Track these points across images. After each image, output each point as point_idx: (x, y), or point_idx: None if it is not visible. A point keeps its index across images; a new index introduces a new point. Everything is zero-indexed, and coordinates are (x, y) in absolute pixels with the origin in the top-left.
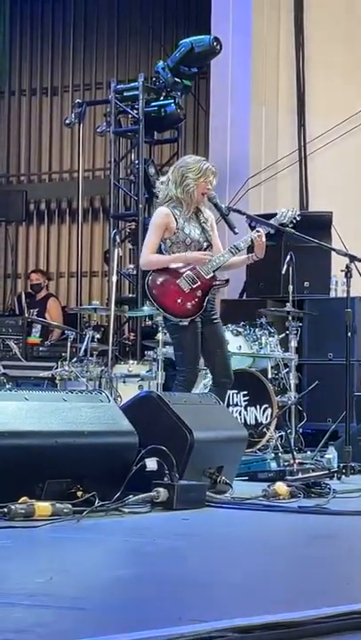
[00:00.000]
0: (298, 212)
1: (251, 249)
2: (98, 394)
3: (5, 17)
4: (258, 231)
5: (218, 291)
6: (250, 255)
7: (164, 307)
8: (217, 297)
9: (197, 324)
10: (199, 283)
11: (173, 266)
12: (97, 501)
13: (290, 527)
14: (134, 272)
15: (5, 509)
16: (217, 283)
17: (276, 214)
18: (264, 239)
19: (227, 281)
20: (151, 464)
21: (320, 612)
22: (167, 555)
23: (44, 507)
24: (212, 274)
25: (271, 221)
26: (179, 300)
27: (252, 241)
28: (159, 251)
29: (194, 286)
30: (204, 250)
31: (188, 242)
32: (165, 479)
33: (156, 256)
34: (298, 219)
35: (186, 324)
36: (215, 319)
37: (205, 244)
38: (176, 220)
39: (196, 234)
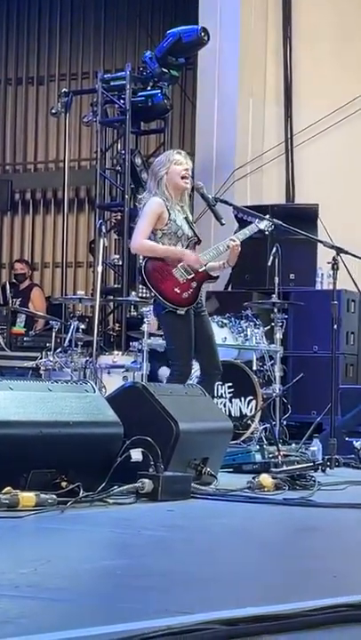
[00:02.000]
0: (272, 226)
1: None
2: (83, 384)
3: None
4: (232, 239)
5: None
6: (222, 262)
7: (162, 294)
8: (217, 280)
9: (191, 317)
10: (193, 275)
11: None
12: (82, 492)
13: (275, 519)
14: (120, 262)
15: None
16: (209, 276)
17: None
18: (239, 248)
19: (217, 276)
20: (136, 455)
21: (307, 604)
22: (153, 546)
23: (28, 497)
24: (204, 267)
25: (238, 234)
26: (176, 289)
27: (227, 248)
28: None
29: (189, 277)
30: (194, 244)
31: (180, 234)
32: (150, 470)
33: (150, 242)
34: (268, 230)
35: (183, 313)
36: (203, 312)
37: (194, 238)
38: (168, 211)
39: (185, 226)
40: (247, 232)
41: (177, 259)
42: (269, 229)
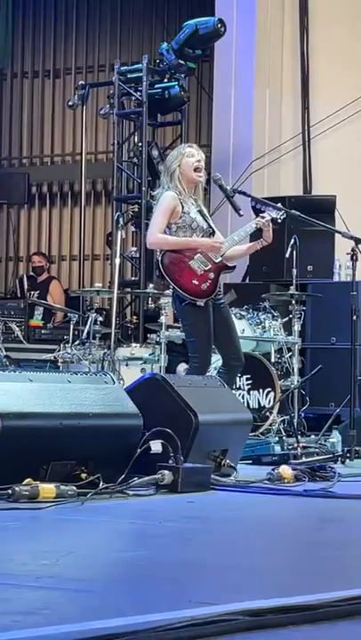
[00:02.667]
0: (283, 215)
1: (256, 235)
2: (102, 375)
3: None
4: (262, 216)
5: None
6: (259, 240)
7: (181, 286)
8: (234, 270)
9: (210, 308)
10: (210, 266)
11: (181, 249)
12: (101, 483)
13: (296, 510)
14: (137, 255)
15: (10, 491)
16: (226, 267)
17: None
18: (271, 224)
19: (234, 266)
20: (156, 446)
21: (333, 595)
22: (173, 537)
23: (48, 488)
24: (220, 258)
25: (266, 212)
26: (195, 281)
27: (257, 227)
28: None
29: (206, 269)
30: (209, 235)
31: (195, 226)
32: (170, 462)
33: (166, 235)
34: (281, 218)
35: (202, 304)
36: (222, 303)
37: (209, 230)
38: (182, 204)
39: (200, 218)
40: (246, 231)
41: (195, 247)
42: (281, 217)
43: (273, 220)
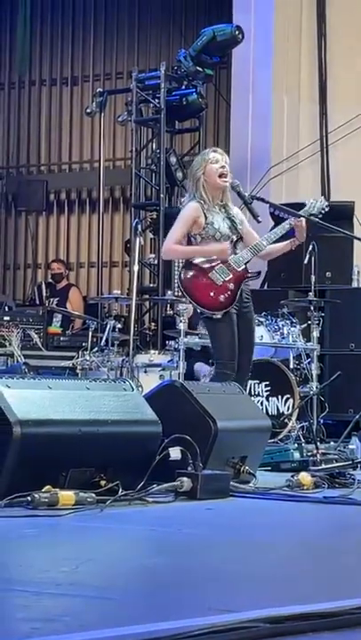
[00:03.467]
0: (326, 203)
1: (285, 237)
2: (121, 382)
3: (27, 7)
4: (298, 215)
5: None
6: (292, 240)
7: (197, 300)
8: (259, 277)
9: (233, 317)
10: (231, 275)
11: (199, 260)
12: (120, 490)
13: (316, 517)
14: (155, 262)
15: (29, 498)
16: (249, 274)
17: (305, 204)
18: (304, 222)
19: (258, 273)
20: (175, 453)
21: (353, 602)
22: (193, 544)
23: (67, 495)
24: (243, 266)
25: (301, 212)
26: (211, 294)
27: (290, 227)
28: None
29: (226, 279)
30: (235, 242)
31: (218, 236)
32: (189, 468)
33: (179, 245)
34: (326, 209)
35: (219, 317)
36: (247, 310)
37: (235, 236)
38: (205, 214)
39: (225, 227)
40: (280, 231)
41: (208, 255)
42: (322, 210)
43: (314, 215)
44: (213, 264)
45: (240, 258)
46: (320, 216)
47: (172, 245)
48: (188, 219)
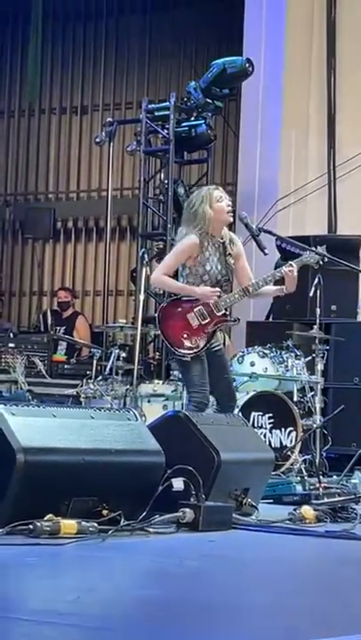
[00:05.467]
0: (325, 258)
1: (281, 281)
2: (125, 412)
3: (38, 36)
4: (290, 265)
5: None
6: (281, 287)
7: (169, 339)
8: (238, 323)
9: (202, 354)
10: (209, 319)
11: (185, 298)
12: (122, 521)
13: (317, 551)
14: (160, 291)
15: (31, 526)
16: (227, 319)
17: (309, 240)
18: (295, 273)
19: (237, 319)
20: (178, 484)
21: (352, 638)
22: (194, 576)
23: (69, 525)
24: (223, 310)
25: (294, 261)
26: (184, 335)
27: (281, 276)
28: (176, 274)
29: (203, 322)
30: (221, 285)
31: (206, 278)
32: (192, 500)
33: (167, 278)
34: (322, 263)
35: (188, 359)
36: (218, 350)
37: (224, 279)
38: (202, 251)
39: (215, 271)
40: (270, 279)
41: (193, 296)
42: (321, 262)
43: (311, 264)
44: (194, 305)
45: (222, 302)
46: (317, 266)
47: (162, 276)
48: (183, 253)
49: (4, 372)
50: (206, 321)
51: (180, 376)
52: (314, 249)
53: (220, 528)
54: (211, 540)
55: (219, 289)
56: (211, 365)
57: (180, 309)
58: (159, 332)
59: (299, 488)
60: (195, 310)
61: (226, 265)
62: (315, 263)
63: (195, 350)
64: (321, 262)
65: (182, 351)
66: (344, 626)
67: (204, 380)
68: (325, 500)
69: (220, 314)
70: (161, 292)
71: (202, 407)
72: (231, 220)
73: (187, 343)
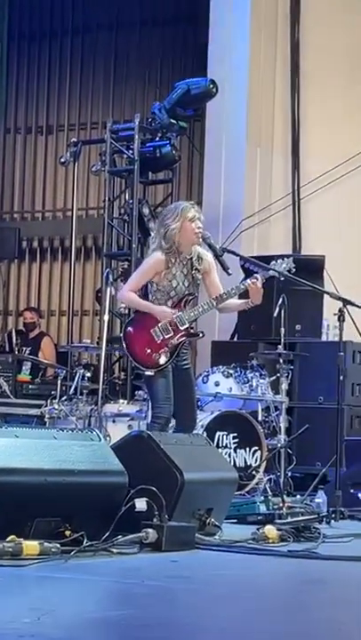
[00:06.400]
0: (293, 265)
1: (246, 294)
2: (88, 432)
3: (3, 55)
4: (255, 277)
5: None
6: (246, 300)
7: (132, 354)
8: (204, 341)
9: (168, 370)
10: (172, 333)
11: (146, 314)
12: (85, 541)
13: (280, 571)
14: (126, 311)
15: None
16: (191, 333)
17: (274, 259)
18: (260, 285)
19: (201, 333)
20: (141, 504)
21: None
22: (157, 596)
23: (31, 546)
24: (187, 324)
25: (258, 274)
26: (148, 350)
27: (244, 288)
28: (146, 290)
29: (166, 336)
30: (186, 301)
31: (173, 294)
32: (155, 520)
33: (134, 295)
34: (293, 270)
35: (152, 374)
36: (186, 366)
37: (190, 296)
38: (169, 268)
39: (182, 287)
40: (234, 292)
41: (156, 316)
42: (287, 272)
43: (280, 273)
44: (158, 320)
45: (185, 317)
46: (282, 278)
47: (128, 293)
48: (149, 270)
49: None
50: (169, 335)
51: (146, 391)
52: (281, 260)
53: (183, 548)
54: (173, 560)
55: (177, 310)
56: (177, 382)
57: (144, 325)
58: (125, 347)
59: (263, 508)
60: (159, 324)
61: (193, 280)
62: (280, 275)
63: (158, 366)
64: (287, 272)
65: (146, 366)
66: None
67: (168, 394)
68: (289, 519)
69: (183, 327)
70: (126, 311)
71: (164, 422)
72: (199, 242)
73: (150, 358)
